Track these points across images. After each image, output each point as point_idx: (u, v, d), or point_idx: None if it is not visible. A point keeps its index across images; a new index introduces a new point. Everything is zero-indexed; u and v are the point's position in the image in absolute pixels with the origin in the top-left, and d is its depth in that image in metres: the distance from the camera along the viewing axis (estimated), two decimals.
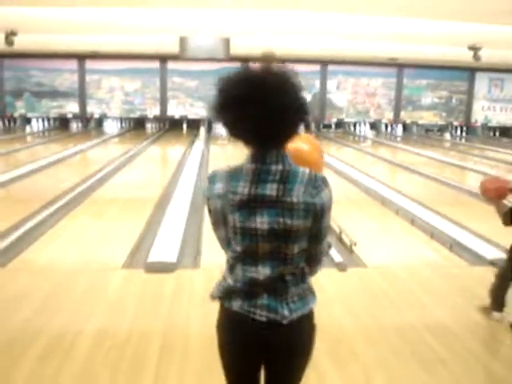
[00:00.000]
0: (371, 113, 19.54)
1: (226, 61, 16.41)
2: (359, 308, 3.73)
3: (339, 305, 3.75)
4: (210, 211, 1.69)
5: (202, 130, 18.03)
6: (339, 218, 5.74)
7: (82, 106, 18.64)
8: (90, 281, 4.18)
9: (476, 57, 12.46)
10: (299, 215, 1.56)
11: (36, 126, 18.93)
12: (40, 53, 16.77)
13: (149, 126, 19.08)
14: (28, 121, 18.78)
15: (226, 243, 1.70)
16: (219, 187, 1.62)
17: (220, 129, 19.13)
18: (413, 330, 3.40)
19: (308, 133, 2.60)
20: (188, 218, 5.93)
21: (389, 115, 19.57)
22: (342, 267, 4.41)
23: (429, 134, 19.36)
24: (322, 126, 19.58)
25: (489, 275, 3.72)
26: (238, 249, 1.63)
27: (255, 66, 1.58)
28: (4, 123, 18.85)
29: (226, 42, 12.74)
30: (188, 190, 7.51)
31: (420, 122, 19.74)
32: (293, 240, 1.59)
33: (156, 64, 18.30)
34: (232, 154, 14.18)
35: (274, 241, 1.58)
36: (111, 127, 18.79)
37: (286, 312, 1.62)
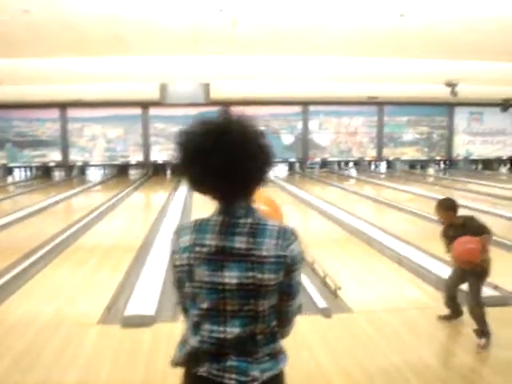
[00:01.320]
0: (354, 151, 19.69)
1: (206, 105, 16.65)
2: (344, 354, 3.58)
3: (324, 352, 3.60)
4: (174, 267, 1.61)
5: None
6: (323, 259, 5.63)
7: (65, 154, 18.60)
8: (66, 336, 3.99)
9: (453, 92, 12.66)
10: (270, 269, 1.49)
11: (18, 175, 18.81)
12: (22, 103, 16.81)
13: (132, 172, 19.04)
14: (10, 171, 18.67)
15: (189, 301, 1.58)
16: (186, 240, 1.56)
17: None
18: (398, 373, 3.29)
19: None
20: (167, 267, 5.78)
21: (371, 153, 19.73)
22: (326, 313, 4.26)
23: (412, 170, 19.52)
24: (306, 166, 19.68)
25: None
26: (204, 306, 1.52)
27: (216, 116, 1.55)
28: None
29: (206, 86, 12.85)
30: (168, 238, 7.33)
31: (403, 157, 19.91)
32: (263, 296, 1.50)
33: (138, 110, 18.41)
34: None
35: (244, 297, 1.49)
36: (94, 175, 18.71)
37: (256, 373, 1.50)
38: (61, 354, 3.67)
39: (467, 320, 3.84)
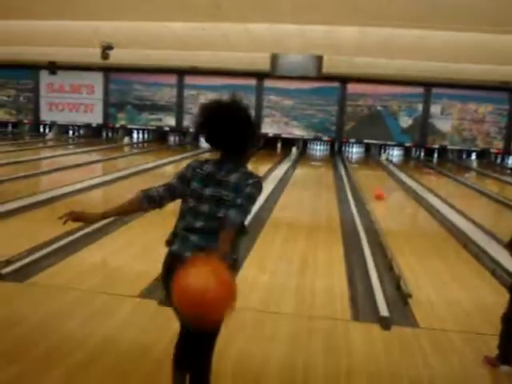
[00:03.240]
0: (478, 141, 18.01)
1: (320, 80, 16.02)
2: (382, 373, 3.02)
3: (360, 364, 3.07)
4: (182, 171, 2.42)
5: (294, 150, 17.58)
6: (407, 259, 5.03)
7: (179, 120, 18.97)
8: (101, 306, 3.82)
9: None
10: (230, 190, 2.28)
11: (136, 137, 19.58)
12: (142, 67, 17.33)
13: None
14: (129, 132, 19.47)
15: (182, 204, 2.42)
16: (194, 165, 2.40)
17: (313, 149, 18.65)
18: None
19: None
20: None
21: (498, 144, 17.91)
22: (385, 324, 3.66)
23: None
24: (423, 152, 18.40)
25: None
26: (190, 205, 2.35)
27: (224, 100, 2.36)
28: (107, 134, 19.75)
29: (319, 60, 12.19)
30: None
31: None
32: (222, 205, 2.28)
33: (253, 81, 18.20)
34: (317, 175, 13.64)
35: (212, 203, 2.30)
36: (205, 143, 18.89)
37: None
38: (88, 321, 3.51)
39: None
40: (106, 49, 11.66)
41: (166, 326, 3.11)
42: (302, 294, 4.35)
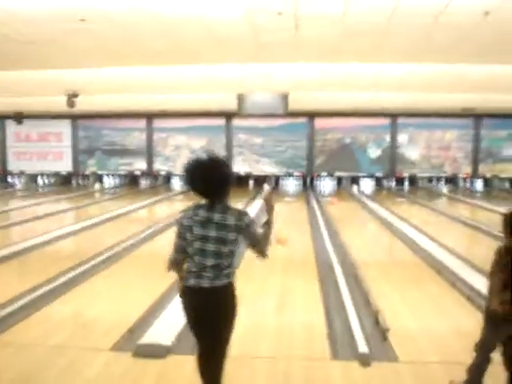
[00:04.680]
0: (446, 167, 18.34)
1: (289, 116, 16.23)
2: None
3: None
4: (180, 227, 2.84)
5: (266, 187, 17.61)
6: (384, 292, 4.98)
7: (150, 163, 18.94)
8: (73, 360, 3.66)
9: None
10: (231, 230, 2.77)
11: (107, 182, 19.43)
12: (112, 113, 17.35)
13: None
14: (99, 178, 19.32)
15: (189, 247, 2.82)
16: (189, 214, 2.81)
17: (287, 186, 18.72)
18: None
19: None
20: None
21: (466, 169, 18.27)
22: (364, 360, 3.60)
23: None
24: (394, 182, 18.65)
25: None
26: (197, 247, 2.77)
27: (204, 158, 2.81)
28: (78, 181, 19.57)
29: (285, 97, 12.39)
30: None
31: (502, 175, 18.23)
32: (226, 244, 2.77)
33: (222, 121, 18.34)
34: (290, 211, 13.62)
35: (217, 243, 2.76)
36: (178, 184, 18.85)
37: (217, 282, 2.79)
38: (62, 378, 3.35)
39: None
40: (72, 97, 11.65)
41: (141, 380, 2.99)
42: (279, 334, 4.26)
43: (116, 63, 9.48)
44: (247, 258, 7.03)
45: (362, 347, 3.77)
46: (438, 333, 4.33)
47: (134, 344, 3.90)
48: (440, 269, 6.39)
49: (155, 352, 3.74)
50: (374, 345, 3.91)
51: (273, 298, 5.26)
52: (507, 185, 18.36)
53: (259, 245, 2.83)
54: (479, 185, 18.55)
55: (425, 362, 3.68)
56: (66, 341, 4.09)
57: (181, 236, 2.82)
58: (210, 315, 2.74)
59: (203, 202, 2.82)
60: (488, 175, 18.26)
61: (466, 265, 6.53)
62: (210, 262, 2.74)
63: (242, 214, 2.79)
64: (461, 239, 9.48)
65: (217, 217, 2.74)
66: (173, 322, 4.20)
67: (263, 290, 5.57)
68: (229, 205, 2.83)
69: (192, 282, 2.76)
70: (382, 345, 3.96)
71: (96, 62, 9.23)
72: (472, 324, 4.19)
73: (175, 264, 2.87)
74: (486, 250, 7.95)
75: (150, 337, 4.01)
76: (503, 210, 3.52)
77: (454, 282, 5.77)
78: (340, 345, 3.97)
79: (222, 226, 2.73)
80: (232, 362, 3.63)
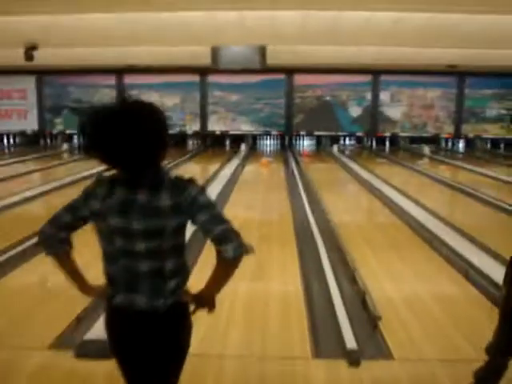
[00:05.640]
0: (429, 127, 17.80)
1: (267, 72, 15.43)
2: None
3: None
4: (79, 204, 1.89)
5: (243, 147, 16.92)
6: (370, 268, 4.45)
7: None
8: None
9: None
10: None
11: (76, 142, 18.49)
12: (78, 68, 16.30)
13: (190, 142, 18.22)
14: (68, 138, 18.35)
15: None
16: (100, 192, 1.82)
17: (263, 145, 18.06)
18: None
19: None
20: None
21: (448, 129, 17.76)
22: (353, 359, 3.01)
23: (495, 150, 17.38)
24: (374, 142, 18.08)
25: None
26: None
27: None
28: (45, 140, 18.60)
29: (262, 50, 11.57)
30: None
31: (485, 135, 17.78)
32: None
33: (196, 77, 17.44)
34: (268, 172, 13.02)
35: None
36: None
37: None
38: None
39: None
40: (30, 49, 10.65)
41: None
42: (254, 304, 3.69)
43: (75, 9, 8.56)
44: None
45: (351, 342, 3.19)
46: (418, 297, 4.05)
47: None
48: (420, 230, 6.13)
49: None
50: (362, 338, 3.35)
51: (247, 267, 4.70)
52: (489, 145, 17.95)
53: (219, 235, 1.76)
54: (461, 145, 18.10)
55: (423, 359, 3.12)
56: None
57: (75, 213, 1.84)
58: (149, 353, 1.80)
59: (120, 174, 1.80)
60: (470, 135, 17.80)
61: (447, 226, 6.26)
62: (143, 266, 1.76)
63: (183, 186, 1.75)
64: (441, 201, 9.05)
65: (142, 197, 1.72)
66: None
67: None
68: (162, 173, 1.79)
69: (119, 299, 1.79)
70: (372, 336, 3.40)
71: (52, 7, 8.30)
72: (452, 288, 4.14)
73: (50, 241, 1.87)
74: (467, 212, 7.90)
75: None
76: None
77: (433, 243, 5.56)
78: (323, 339, 3.41)
79: (151, 210, 1.71)
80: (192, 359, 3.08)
